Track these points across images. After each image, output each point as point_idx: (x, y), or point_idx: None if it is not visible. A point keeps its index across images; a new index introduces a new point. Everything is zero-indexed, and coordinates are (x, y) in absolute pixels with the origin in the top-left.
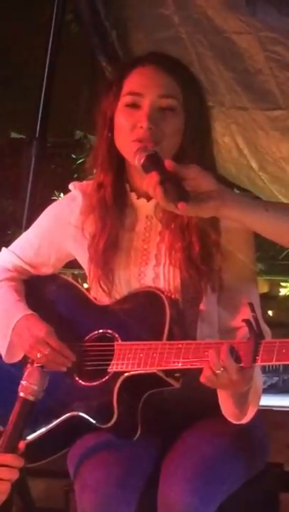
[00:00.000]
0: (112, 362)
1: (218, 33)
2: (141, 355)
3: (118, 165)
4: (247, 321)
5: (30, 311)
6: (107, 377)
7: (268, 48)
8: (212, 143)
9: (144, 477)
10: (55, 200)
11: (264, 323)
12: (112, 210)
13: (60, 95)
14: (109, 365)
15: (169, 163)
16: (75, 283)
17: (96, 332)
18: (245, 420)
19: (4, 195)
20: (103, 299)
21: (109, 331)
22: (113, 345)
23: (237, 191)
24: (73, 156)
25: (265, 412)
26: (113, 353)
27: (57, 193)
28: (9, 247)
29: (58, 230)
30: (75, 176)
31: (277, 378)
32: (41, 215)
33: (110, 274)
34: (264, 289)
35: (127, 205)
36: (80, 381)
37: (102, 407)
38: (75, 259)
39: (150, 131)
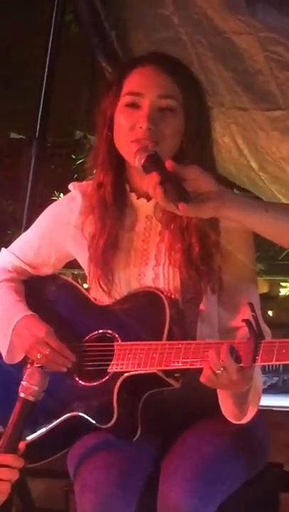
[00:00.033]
0: (112, 362)
1: (218, 34)
2: (141, 355)
3: (118, 165)
4: (247, 321)
5: (30, 312)
6: (107, 378)
7: (268, 49)
8: (212, 143)
9: (144, 477)
10: (55, 200)
11: (264, 323)
12: (112, 209)
13: (60, 95)
14: (109, 365)
15: (169, 164)
16: (74, 283)
17: (96, 332)
18: (245, 420)
19: (4, 196)
20: (103, 299)
21: (109, 331)
22: (113, 346)
23: (237, 191)
24: (73, 157)
25: (265, 412)
26: (113, 353)
27: (57, 194)
28: (9, 248)
29: (58, 230)
30: (75, 176)
31: (277, 378)
32: (41, 216)
33: (110, 274)
34: (264, 289)
35: (126, 205)
36: (80, 381)
37: (102, 408)
38: (75, 260)
39: (149, 132)
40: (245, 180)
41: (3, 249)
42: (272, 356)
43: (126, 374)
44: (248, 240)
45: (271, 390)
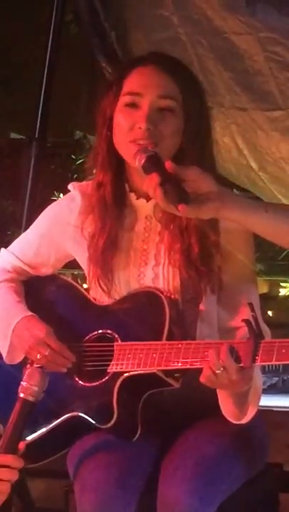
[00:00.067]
0: (112, 362)
1: (218, 34)
2: (140, 355)
3: (118, 165)
4: (246, 321)
5: (30, 313)
6: (106, 378)
7: (268, 49)
8: (212, 143)
9: (144, 477)
10: (55, 200)
11: (264, 323)
12: (112, 209)
13: (59, 95)
14: (108, 365)
15: (169, 165)
16: (74, 283)
17: (96, 332)
18: (245, 420)
19: (4, 196)
20: (103, 300)
21: (108, 331)
22: (113, 346)
23: (237, 191)
24: (73, 157)
25: (265, 412)
26: (113, 354)
27: (56, 194)
28: (8, 248)
29: (58, 230)
30: (75, 176)
31: (277, 378)
32: (40, 216)
33: (110, 274)
34: (264, 289)
35: (126, 205)
36: (80, 381)
37: (101, 408)
38: (75, 260)
39: (148, 132)
40: (245, 181)
41: (2, 249)
42: (272, 356)
43: (126, 374)
44: (247, 240)
45: (271, 390)
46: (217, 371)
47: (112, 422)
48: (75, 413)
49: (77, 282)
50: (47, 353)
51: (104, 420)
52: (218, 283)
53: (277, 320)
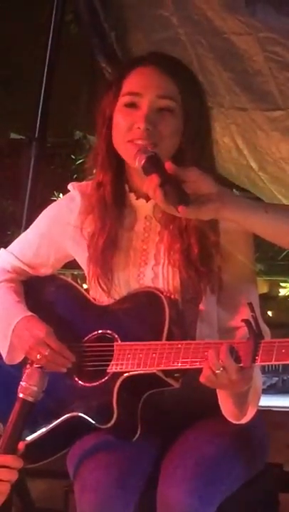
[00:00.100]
0: (112, 362)
1: (218, 34)
2: (140, 355)
3: (117, 165)
4: (246, 321)
5: (29, 313)
6: (106, 378)
7: (268, 49)
8: (212, 144)
9: (144, 477)
10: (55, 200)
11: (263, 323)
12: (112, 209)
13: (59, 96)
14: (108, 365)
15: (169, 166)
16: (74, 283)
17: (95, 332)
18: (244, 420)
19: (4, 196)
20: (102, 300)
21: (108, 331)
22: (113, 346)
23: (237, 192)
24: (73, 157)
25: (264, 412)
26: (113, 354)
27: (56, 194)
28: (8, 248)
29: (57, 230)
30: (75, 176)
31: (276, 378)
32: (40, 216)
33: (109, 274)
34: (264, 289)
35: (126, 205)
36: (80, 382)
37: (101, 408)
38: (75, 260)
39: (147, 132)
40: (245, 181)
41: (2, 249)
42: (272, 356)
43: (125, 374)
44: (247, 240)
45: (271, 390)
46: (217, 371)
47: (112, 422)
48: (74, 413)
49: (77, 282)
50: (47, 353)
51: (104, 420)
52: (217, 283)
53: (277, 320)
